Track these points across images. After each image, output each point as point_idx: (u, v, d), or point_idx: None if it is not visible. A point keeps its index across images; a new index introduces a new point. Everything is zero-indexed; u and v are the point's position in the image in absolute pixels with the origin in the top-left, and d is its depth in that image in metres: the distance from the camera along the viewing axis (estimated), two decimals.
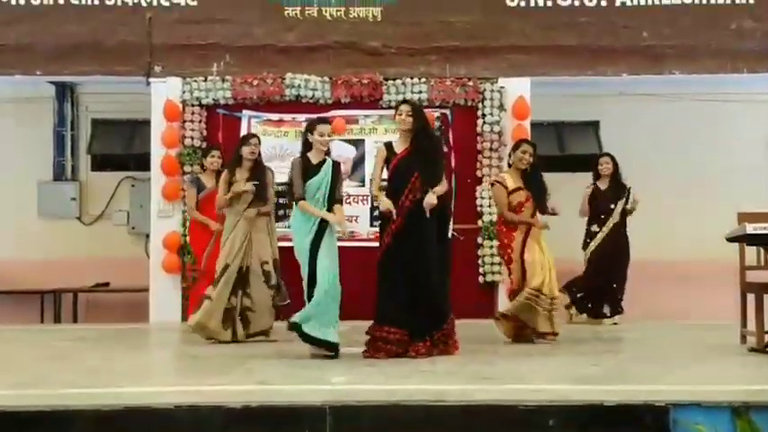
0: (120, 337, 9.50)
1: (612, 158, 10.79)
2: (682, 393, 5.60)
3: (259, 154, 9.06)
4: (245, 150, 8.94)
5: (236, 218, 8.83)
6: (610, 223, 10.61)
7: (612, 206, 10.61)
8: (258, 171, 8.93)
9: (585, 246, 10.67)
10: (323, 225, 7.54)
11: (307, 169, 7.66)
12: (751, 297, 7.68)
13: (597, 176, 10.78)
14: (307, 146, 7.76)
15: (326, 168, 7.66)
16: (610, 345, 8.69)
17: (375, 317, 7.52)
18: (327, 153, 7.78)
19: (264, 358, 7.42)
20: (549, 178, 9.55)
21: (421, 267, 7.41)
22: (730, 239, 7.69)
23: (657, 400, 5.53)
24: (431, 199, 7.37)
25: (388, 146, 7.66)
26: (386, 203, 7.44)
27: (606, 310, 10.54)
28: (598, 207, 10.67)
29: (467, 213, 11.14)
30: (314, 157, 7.69)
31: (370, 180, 7.58)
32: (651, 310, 11.07)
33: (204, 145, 11.03)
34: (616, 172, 10.71)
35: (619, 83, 11.75)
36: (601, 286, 10.54)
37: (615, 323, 10.44)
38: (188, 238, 10.53)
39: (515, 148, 8.87)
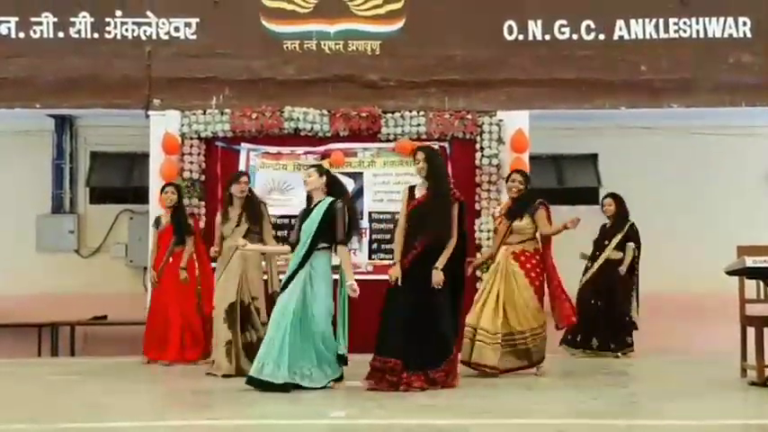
0: (117, 370, 9.46)
1: (614, 198, 10.85)
2: (683, 428, 5.57)
3: (250, 190, 9.28)
4: (235, 189, 9.16)
5: (230, 253, 8.96)
6: (601, 258, 10.67)
7: (607, 242, 10.65)
8: (250, 207, 9.12)
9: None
10: (297, 270, 7.63)
11: (304, 213, 7.86)
12: (751, 330, 7.66)
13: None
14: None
15: (318, 210, 7.74)
16: (611, 378, 8.64)
17: (375, 347, 7.61)
18: (329, 193, 7.83)
19: (263, 393, 7.37)
20: None
21: (424, 310, 7.53)
22: (730, 273, 7.67)
23: None
24: (437, 278, 7.55)
25: (411, 189, 7.93)
26: (394, 273, 7.66)
27: (611, 344, 10.53)
28: (597, 243, 10.75)
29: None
30: (315, 198, 7.86)
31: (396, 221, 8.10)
32: (652, 344, 11.01)
33: (203, 178, 11.07)
34: (619, 211, 10.76)
35: (617, 116, 11.76)
36: (595, 319, 10.51)
37: (618, 356, 10.42)
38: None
39: (507, 178, 9.17)
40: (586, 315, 10.39)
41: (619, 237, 10.66)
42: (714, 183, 12.35)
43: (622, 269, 10.59)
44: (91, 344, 12.38)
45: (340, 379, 7.66)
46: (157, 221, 10.42)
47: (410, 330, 7.46)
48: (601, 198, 11.41)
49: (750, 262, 7.21)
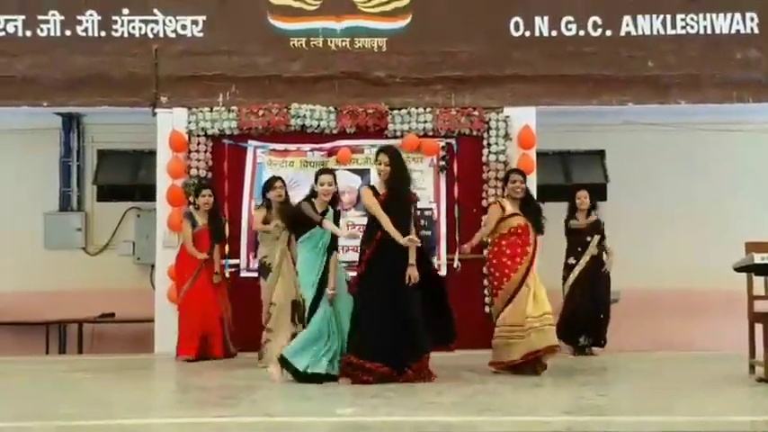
0: (124, 367, 9.47)
1: (591, 192, 10.76)
2: (691, 424, 5.56)
3: (286, 194, 9.53)
4: (272, 195, 9.53)
5: (282, 256, 9.26)
6: (587, 256, 10.54)
7: (589, 239, 10.55)
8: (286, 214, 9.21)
9: (565, 280, 10.59)
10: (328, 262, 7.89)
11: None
12: (759, 327, 7.65)
13: (574, 209, 10.68)
14: (313, 194, 8.09)
15: (329, 218, 7.97)
16: (617, 375, 8.64)
17: (356, 348, 7.66)
18: (332, 203, 8.09)
19: (270, 390, 7.39)
20: (555, 207, 9.56)
21: (393, 298, 7.63)
22: (738, 269, 7.66)
23: (667, 430, 5.49)
24: (412, 272, 7.66)
25: (372, 188, 7.99)
26: (404, 239, 7.70)
27: (585, 340, 10.45)
28: (576, 240, 10.61)
29: None
30: (318, 206, 8.01)
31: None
32: (656, 341, 11.03)
33: (209, 175, 11.07)
34: (593, 206, 10.67)
35: (624, 112, 11.76)
36: (585, 318, 10.43)
37: (596, 354, 10.38)
38: (174, 267, 10.58)
39: (506, 179, 9.08)
40: (576, 312, 10.32)
41: (598, 237, 10.55)
42: (721, 179, 12.33)
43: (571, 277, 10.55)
44: (98, 341, 12.40)
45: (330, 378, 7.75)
46: (192, 218, 10.24)
47: (389, 327, 7.56)
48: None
49: (758, 258, 7.20)
